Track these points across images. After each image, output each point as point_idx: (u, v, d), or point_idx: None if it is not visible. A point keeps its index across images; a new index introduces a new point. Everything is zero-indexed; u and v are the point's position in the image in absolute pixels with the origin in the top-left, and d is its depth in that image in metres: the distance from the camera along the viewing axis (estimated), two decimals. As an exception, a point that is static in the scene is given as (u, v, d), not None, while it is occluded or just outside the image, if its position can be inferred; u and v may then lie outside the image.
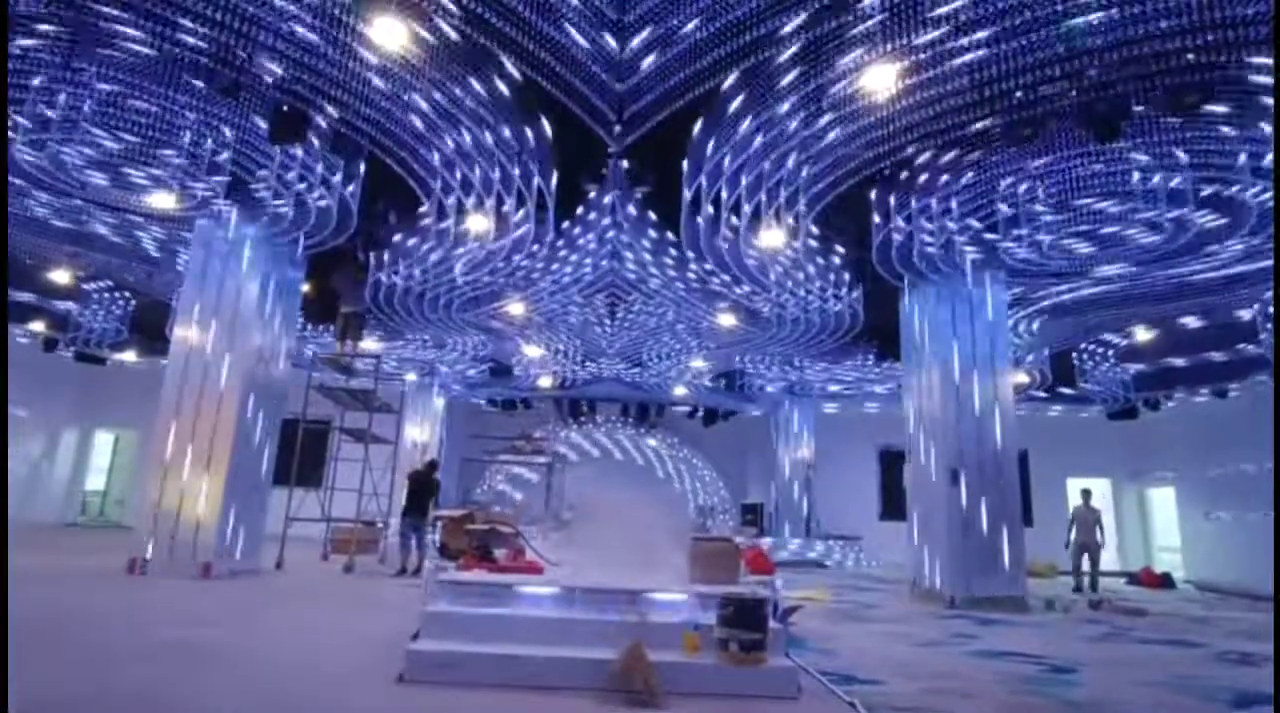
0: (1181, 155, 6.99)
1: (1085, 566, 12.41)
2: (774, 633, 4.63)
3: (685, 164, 7.74)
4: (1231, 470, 13.98)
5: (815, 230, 9.07)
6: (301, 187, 8.39)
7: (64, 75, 6.58)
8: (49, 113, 6.90)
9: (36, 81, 6.63)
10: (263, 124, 7.18)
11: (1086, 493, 13.40)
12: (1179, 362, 13.36)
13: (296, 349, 10.91)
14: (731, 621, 4.47)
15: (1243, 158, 6.90)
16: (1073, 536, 12.74)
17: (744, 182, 7.83)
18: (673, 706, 4.03)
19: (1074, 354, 13.75)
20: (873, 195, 8.28)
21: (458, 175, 7.94)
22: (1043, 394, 15.01)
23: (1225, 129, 6.66)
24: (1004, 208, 8.06)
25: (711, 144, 7.33)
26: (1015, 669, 5.58)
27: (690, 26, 5.97)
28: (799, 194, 8.01)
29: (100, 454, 18.45)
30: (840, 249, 9.76)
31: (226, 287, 9.35)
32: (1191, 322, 11.58)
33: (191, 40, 6.12)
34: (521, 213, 8.51)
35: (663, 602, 4.85)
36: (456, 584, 5.05)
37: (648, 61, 6.36)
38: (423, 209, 8.76)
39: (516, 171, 7.81)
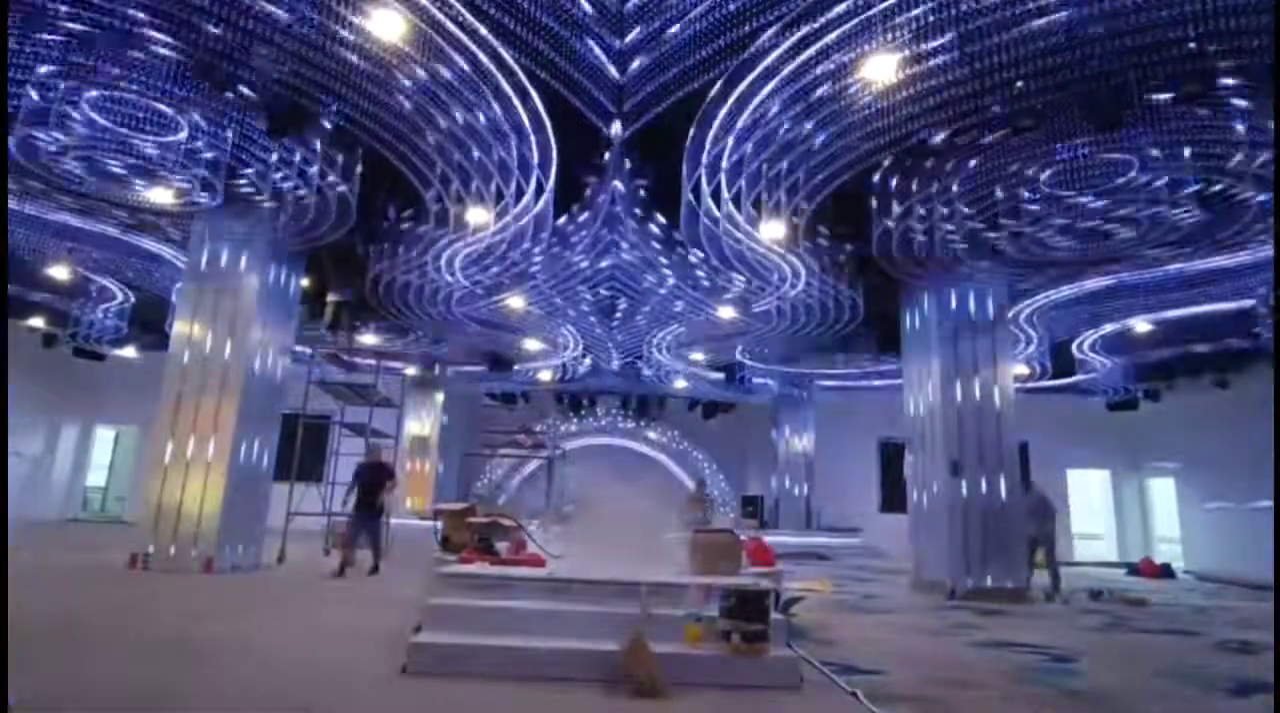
0: (1185, 149, 6.96)
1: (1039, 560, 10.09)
2: (775, 624, 4.65)
3: (684, 157, 7.72)
4: (1232, 461, 13.98)
5: (815, 223, 9.04)
6: (300, 181, 8.35)
7: (62, 70, 6.54)
8: (47, 105, 6.87)
9: (34, 74, 6.59)
10: (261, 119, 7.15)
11: (1029, 484, 10.62)
12: (1179, 352, 13.34)
13: (295, 343, 10.86)
14: (734, 612, 4.48)
15: (1239, 155, 6.88)
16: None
17: (743, 175, 7.81)
18: (676, 696, 4.04)
19: (1074, 346, 13.74)
20: (872, 188, 8.25)
21: (457, 167, 7.91)
22: (1043, 385, 15.00)
23: (1227, 120, 6.63)
24: (1005, 199, 8.03)
25: (710, 137, 7.31)
26: (1016, 659, 5.60)
27: (689, 18, 5.95)
28: (799, 187, 7.98)
29: (101, 450, 18.46)
30: (840, 242, 9.73)
31: (225, 282, 9.34)
32: (1191, 313, 11.55)
33: (190, 34, 6.09)
34: (521, 204, 8.50)
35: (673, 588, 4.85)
36: (459, 577, 5.06)
37: (646, 55, 6.34)
38: (422, 202, 8.73)
39: (515, 161, 7.79)
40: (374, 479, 9.58)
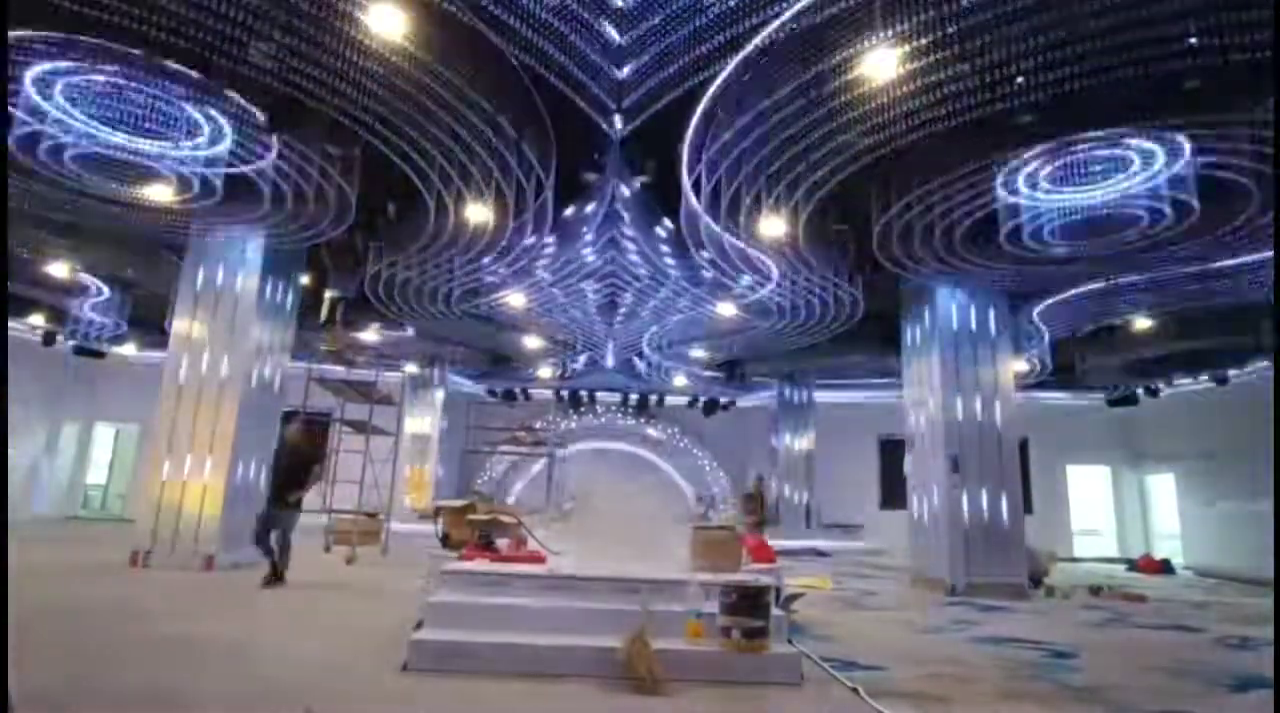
0: (1185, 143, 6.96)
1: None
2: (776, 620, 4.65)
3: (685, 152, 7.71)
4: (1231, 457, 13.98)
5: (815, 219, 9.03)
6: (299, 177, 8.33)
7: (61, 66, 6.51)
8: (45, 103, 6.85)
9: (33, 72, 6.57)
10: (261, 113, 7.13)
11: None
12: (1179, 348, 13.33)
13: (296, 340, 10.84)
14: (734, 608, 4.49)
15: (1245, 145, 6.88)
16: None
17: (743, 171, 7.79)
18: (676, 693, 4.05)
19: (1074, 341, 13.73)
20: (872, 183, 8.24)
21: (456, 163, 7.89)
22: (1043, 381, 15.00)
23: (1227, 116, 6.62)
24: (1005, 195, 8.03)
25: (710, 132, 7.29)
26: (1016, 655, 5.61)
27: (690, 13, 5.94)
28: (799, 183, 7.97)
29: (101, 447, 18.45)
30: (840, 238, 9.71)
31: (225, 279, 9.33)
32: (1190, 310, 11.54)
33: (188, 29, 6.07)
34: (521, 202, 8.48)
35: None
36: (459, 574, 5.06)
37: (646, 50, 6.33)
38: (421, 198, 8.71)
39: (514, 160, 7.78)
40: (292, 465, 7.86)
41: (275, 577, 7.52)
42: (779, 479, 18.58)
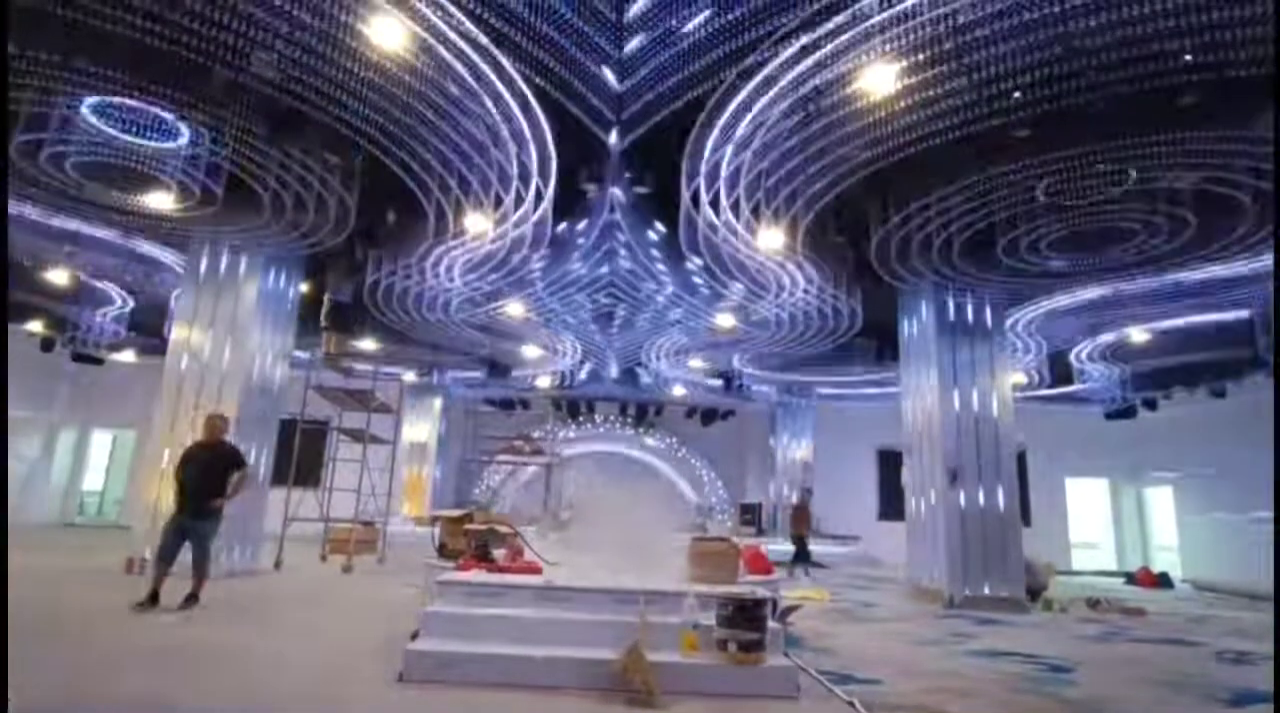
0: (1179, 157, 6.99)
1: None
2: (773, 632, 4.64)
3: (684, 164, 7.75)
4: (1230, 470, 13.98)
5: (813, 231, 9.07)
6: (300, 187, 8.36)
7: (62, 74, 6.54)
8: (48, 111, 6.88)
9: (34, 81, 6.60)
10: (261, 124, 7.15)
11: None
12: (1176, 361, 13.36)
13: (293, 348, 10.84)
14: (730, 620, 4.48)
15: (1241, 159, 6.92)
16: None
17: (742, 182, 7.84)
18: (672, 705, 4.03)
19: (1072, 354, 13.76)
20: (870, 195, 8.27)
21: (456, 173, 7.93)
22: (1041, 394, 15.03)
23: (1224, 130, 6.67)
24: (1002, 207, 8.06)
25: (710, 144, 7.34)
26: (1013, 668, 5.59)
27: (689, 26, 5.99)
28: (797, 194, 8.01)
29: (98, 454, 18.41)
30: (839, 250, 9.75)
31: (224, 287, 9.35)
32: (1189, 321, 11.57)
33: (189, 39, 6.10)
34: (520, 211, 8.51)
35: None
36: (456, 585, 5.05)
37: (647, 62, 6.38)
38: (421, 207, 8.74)
39: (515, 168, 7.81)
40: (209, 466, 6.67)
41: (193, 596, 6.45)
42: (776, 490, 18.57)
